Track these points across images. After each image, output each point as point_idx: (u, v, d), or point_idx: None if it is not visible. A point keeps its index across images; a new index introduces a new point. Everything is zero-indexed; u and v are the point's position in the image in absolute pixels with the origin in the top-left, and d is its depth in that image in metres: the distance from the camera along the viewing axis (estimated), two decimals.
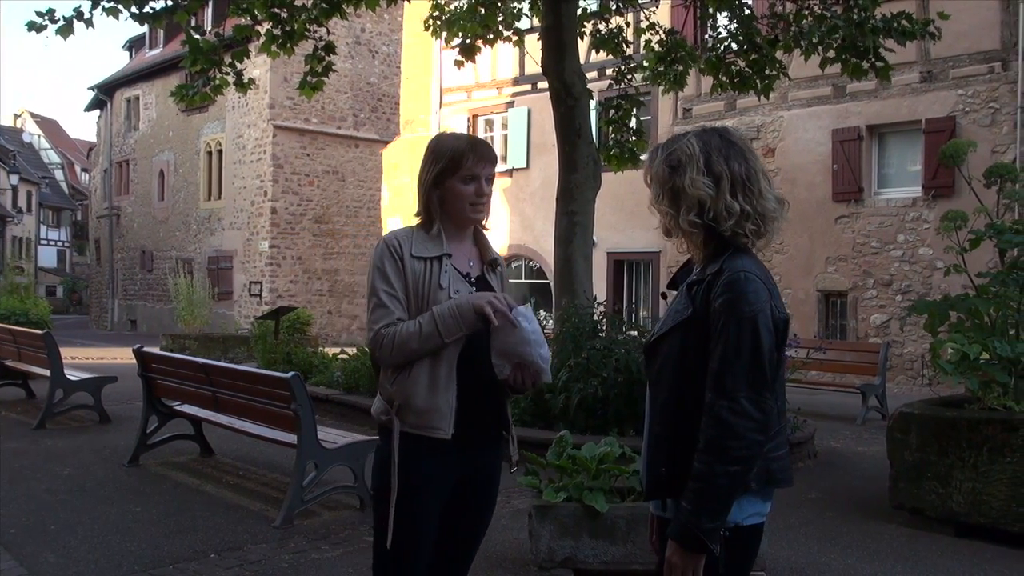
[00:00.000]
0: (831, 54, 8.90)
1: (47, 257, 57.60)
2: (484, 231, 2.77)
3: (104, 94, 33.59)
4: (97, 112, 35.98)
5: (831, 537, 5.29)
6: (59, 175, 62.11)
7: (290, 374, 5.42)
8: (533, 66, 18.03)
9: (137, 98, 32.03)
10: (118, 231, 33.53)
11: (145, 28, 28.44)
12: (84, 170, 59.62)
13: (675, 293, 2.28)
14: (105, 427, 8.81)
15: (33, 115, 64.52)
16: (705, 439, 1.93)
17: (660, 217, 2.20)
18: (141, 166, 31.97)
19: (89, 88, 34.97)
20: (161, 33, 30.56)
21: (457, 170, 2.58)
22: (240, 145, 26.92)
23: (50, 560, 4.66)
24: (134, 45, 35.53)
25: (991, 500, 5.04)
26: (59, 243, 61.03)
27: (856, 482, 6.92)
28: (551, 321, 9.79)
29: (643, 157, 10.82)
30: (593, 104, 9.65)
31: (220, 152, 27.97)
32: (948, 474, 5.21)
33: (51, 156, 62.30)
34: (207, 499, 6.01)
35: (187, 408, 7.00)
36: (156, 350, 8.69)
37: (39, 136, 62.43)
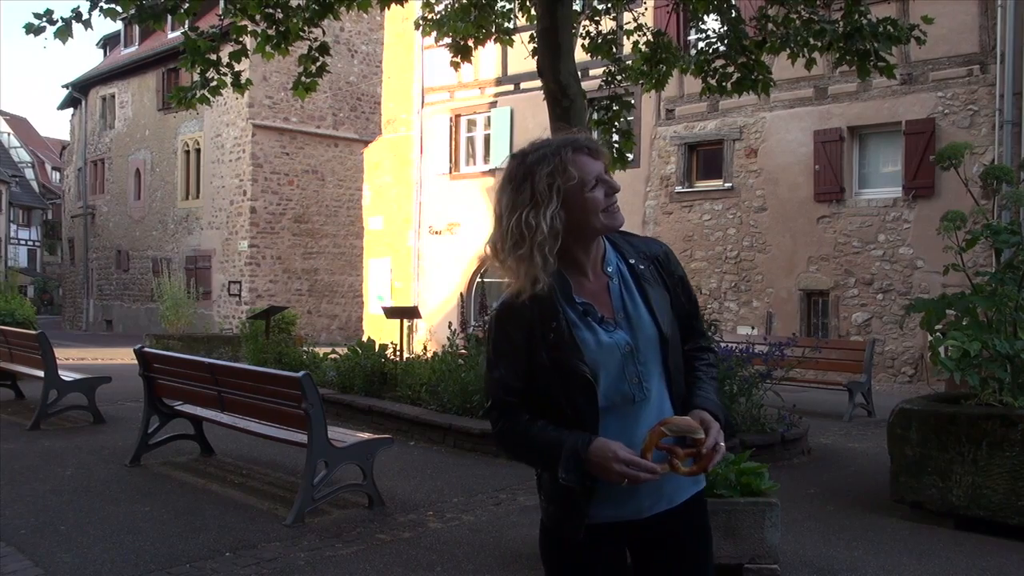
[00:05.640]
0: (829, 55, 9.02)
1: (18, 257, 56.85)
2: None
3: (79, 92, 33.28)
4: (71, 110, 35.60)
5: (835, 531, 5.40)
6: (29, 174, 61.21)
7: (301, 373, 5.44)
8: (516, 66, 18.15)
9: (113, 96, 31.76)
10: (93, 230, 33.22)
11: (120, 25, 28.14)
12: (55, 169, 58.92)
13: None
14: (100, 428, 8.77)
15: (2, 113, 63.54)
16: (715, 368, 2.26)
17: None
18: (117, 165, 31.70)
19: (63, 86, 34.67)
20: (137, 31, 30.36)
21: None
22: (218, 144, 26.79)
23: (66, 560, 4.66)
24: (108, 43, 35.21)
25: (991, 494, 5.17)
26: (30, 242, 60.28)
27: (852, 477, 7.04)
28: None
29: (630, 157, 10.92)
30: None
31: (198, 151, 27.81)
32: (948, 468, 5.34)
33: (21, 154, 61.37)
34: (214, 498, 6.02)
35: (189, 408, 6.99)
36: (152, 349, 8.64)
37: (9, 134, 61.47)
